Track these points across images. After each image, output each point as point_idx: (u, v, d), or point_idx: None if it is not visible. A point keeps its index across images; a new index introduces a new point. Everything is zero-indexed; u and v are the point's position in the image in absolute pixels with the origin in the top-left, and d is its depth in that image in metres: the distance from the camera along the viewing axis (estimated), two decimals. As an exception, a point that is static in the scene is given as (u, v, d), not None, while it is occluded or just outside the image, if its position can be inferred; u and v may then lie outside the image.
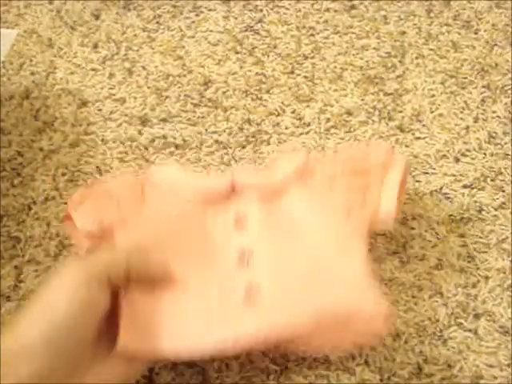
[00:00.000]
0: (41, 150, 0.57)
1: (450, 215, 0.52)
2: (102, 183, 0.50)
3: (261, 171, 0.49)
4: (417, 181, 0.54)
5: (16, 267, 0.51)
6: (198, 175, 0.51)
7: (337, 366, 0.46)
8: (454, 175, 0.54)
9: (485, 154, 0.55)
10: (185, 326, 0.41)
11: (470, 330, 0.47)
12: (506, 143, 0.56)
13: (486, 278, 0.49)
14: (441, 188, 0.54)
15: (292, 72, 0.61)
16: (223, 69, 0.62)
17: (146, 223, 0.46)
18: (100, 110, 0.60)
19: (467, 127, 0.57)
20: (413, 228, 0.52)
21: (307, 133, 0.57)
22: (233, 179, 0.47)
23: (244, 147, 0.57)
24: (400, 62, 0.62)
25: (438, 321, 0.47)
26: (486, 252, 0.50)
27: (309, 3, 0.66)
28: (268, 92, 0.60)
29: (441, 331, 0.47)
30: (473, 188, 0.54)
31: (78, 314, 0.36)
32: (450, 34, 0.63)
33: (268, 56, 0.63)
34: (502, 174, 0.54)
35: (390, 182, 0.46)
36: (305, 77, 0.61)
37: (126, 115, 0.59)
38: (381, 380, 0.45)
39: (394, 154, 0.48)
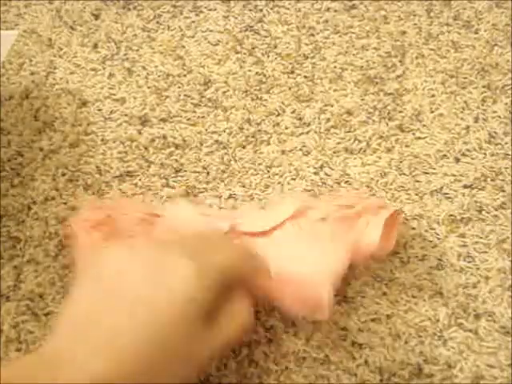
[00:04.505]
0: (41, 149, 0.57)
1: (451, 215, 0.52)
2: (110, 211, 0.50)
3: (260, 215, 0.51)
4: (417, 181, 0.54)
5: (15, 267, 0.51)
6: (203, 218, 0.51)
7: (337, 366, 0.46)
8: (455, 175, 0.54)
9: (485, 153, 0.55)
10: None
11: (470, 331, 0.47)
12: (506, 143, 0.56)
13: (487, 278, 0.49)
14: (441, 188, 0.54)
15: (292, 72, 0.61)
16: (223, 69, 0.62)
17: None
18: (100, 109, 0.60)
19: (467, 127, 0.57)
20: (413, 228, 0.51)
21: (307, 133, 0.57)
22: (232, 224, 0.49)
23: (244, 147, 0.57)
24: (400, 61, 0.62)
25: (438, 321, 0.47)
26: (486, 252, 0.50)
27: (309, 3, 0.66)
28: (268, 92, 0.60)
29: (441, 331, 0.47)
30: (473, 188, 0.53)
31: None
32: (450, 33, 0.63)
33: (268, 56, 0.63)
34: (502, 174, 0.54)
35: (375, 221, 0.47)
36: (305, 77, 0.61)
37: (125, 115, 0.59)
38: (381, 380, 0.45)
39: (386, 205, 0.49)
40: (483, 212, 0.52)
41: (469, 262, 0.50)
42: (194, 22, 0.66)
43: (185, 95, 0.60)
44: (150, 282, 0.36)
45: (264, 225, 0.50)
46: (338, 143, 0.57)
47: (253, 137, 0.57)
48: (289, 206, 0.51)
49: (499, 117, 0.57)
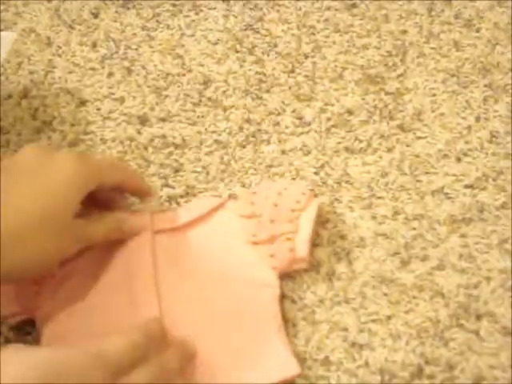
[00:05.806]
0: (39, 149, 0.57)
1: (452, 215, 0.52)
2: None
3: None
4: (418, 180, 0.54)
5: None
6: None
7: (337, 367, 0.45)
8: (456, 175, 0.54)
9: (486, 153, 0.55)
10: None
11: (471, 331, 0.46)
12: (507, 142, 0.56)
13: (488, 278, 0.49)
14: (442, 188, 0.53)
15: (292, 71, 0.61)
16: (223, 68, 0.62)
17: None
18: (99, 109, 0.59)
19: (469, 126, 0.57)
20: (414, 228, 0.51)
21: (307, 132, 0.57)
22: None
23: (244, 147, 0.57)
24: (401, 60, 0.61)
25: (439, 322, 0.47)
26: (487, 252, 0.50)
27: (309, 2, 0.66)
28: (268, 91, 0.60)
29: (442, 332, 0.46)
30: (474, 188, 0.53)
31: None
32: (451, 32, 0.63)
33: (268, 55, 0.62)
34: (503, 173, 0.54)
35: (303, 223, 0.49)
36: (305, 76, 0.61)
37: (125, 114, 0.59)
38: (381, 381, 0.44)
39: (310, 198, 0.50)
40: (485, 212, 0.52)
41: (470, 262, 0.49)
42: (193, 20, 0.65)
43: (184, 94, 0.60)
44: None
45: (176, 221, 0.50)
46: (339, 143, 0.56)
47: (253, 136, 0.57)
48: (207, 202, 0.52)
49: (501, 116, 0.57)
